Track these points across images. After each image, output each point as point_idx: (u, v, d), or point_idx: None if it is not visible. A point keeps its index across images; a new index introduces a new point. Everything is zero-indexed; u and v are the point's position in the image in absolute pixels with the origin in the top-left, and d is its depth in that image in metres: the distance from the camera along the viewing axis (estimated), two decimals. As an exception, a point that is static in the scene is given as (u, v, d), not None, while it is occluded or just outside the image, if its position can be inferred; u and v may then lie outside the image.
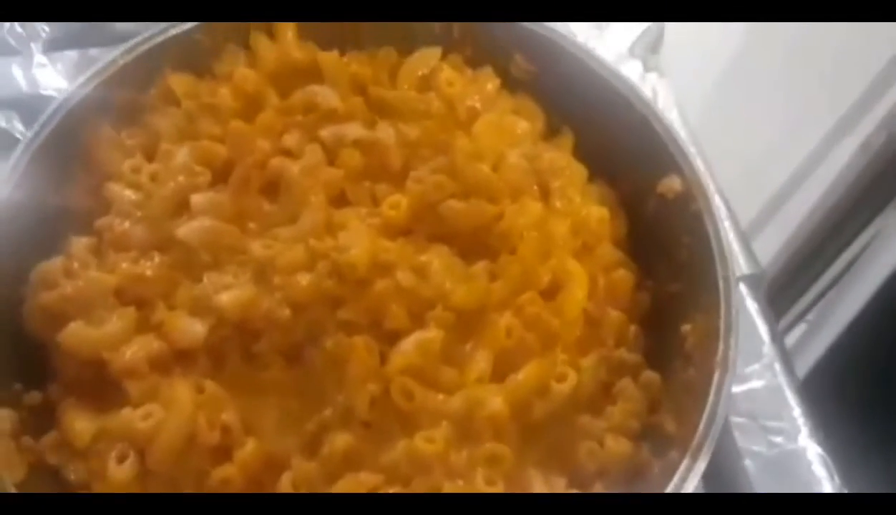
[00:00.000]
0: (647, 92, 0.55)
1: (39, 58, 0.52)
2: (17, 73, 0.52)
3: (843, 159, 0.74)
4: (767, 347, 0.46)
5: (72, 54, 0.52)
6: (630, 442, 0.32)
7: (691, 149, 0.35)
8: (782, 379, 0.45)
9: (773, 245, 0.71)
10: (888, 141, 0.71)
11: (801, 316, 0.75)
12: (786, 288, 0.72)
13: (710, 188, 0.34)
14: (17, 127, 0.51)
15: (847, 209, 0.70)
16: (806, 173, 0.75)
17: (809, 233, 0.69)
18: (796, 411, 0.44)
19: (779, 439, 0.43)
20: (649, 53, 0.59)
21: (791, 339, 0.71)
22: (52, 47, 0.52)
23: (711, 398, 0.28)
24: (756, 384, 0.45)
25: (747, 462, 0.42)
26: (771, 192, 0.77)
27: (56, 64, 0.52)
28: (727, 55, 0.73)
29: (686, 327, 0.33)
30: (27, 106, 0.50)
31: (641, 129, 0.36)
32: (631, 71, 0.56)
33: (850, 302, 0.64)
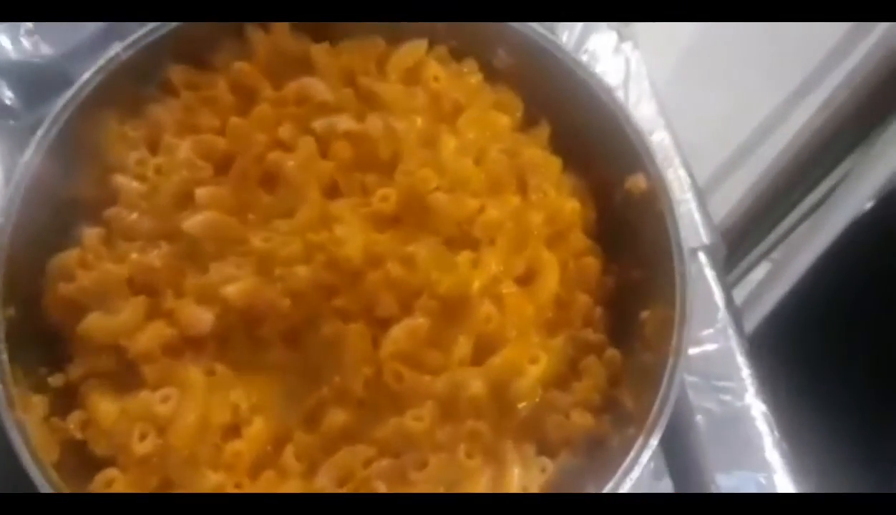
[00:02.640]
0: (620, 61, 0.58)
1: (27, 25, 0.53)
2: (3, 40, 0.53)
3: (803, 119, 0.78)
4: (722, 313, 0.50)
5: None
6: (592, 416, 0.36)
7: (657, 152, 0.38)
8: (734, 343, 0.49)
9: (730, 201, 0.75)
10: (849, 98, 0.74)
11: (748, 271, 0.79)
12: (739, 245, 0.76)
13: (672, 190, 0.37)
14: (6, 93, 0.52)
15: (800, 169, 0.74)
16: (766, 134, 0.78)
17: (764, 190, 0.72)
18: (744, 372, 0.48)
19: (727, 397, 0.47)
20: (624, 24, 0.61)
21: (741, 293, 0.76)
22: (39, 14, 0.53)
23: (664, 382, 0.33)
24: (710, 347, 0.49)
25: (699, 418, 0.46)
26: (731, 152, 0.80)
27: (43, 31, 0.53)
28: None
29: (645, 313, 0.37)
30: (15, 74, 0.52)
31: (614, 129, 0.39)
32: (607, 40, 0.58)
33: (797, 264, 0.68)
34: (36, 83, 0.50)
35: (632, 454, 0.31)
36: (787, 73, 0.78)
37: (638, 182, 0.38)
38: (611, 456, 0.33)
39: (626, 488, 0.31)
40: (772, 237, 0.81)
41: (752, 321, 0.74)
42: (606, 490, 0.31)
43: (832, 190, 0.72)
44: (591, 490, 0.32)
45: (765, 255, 0.83)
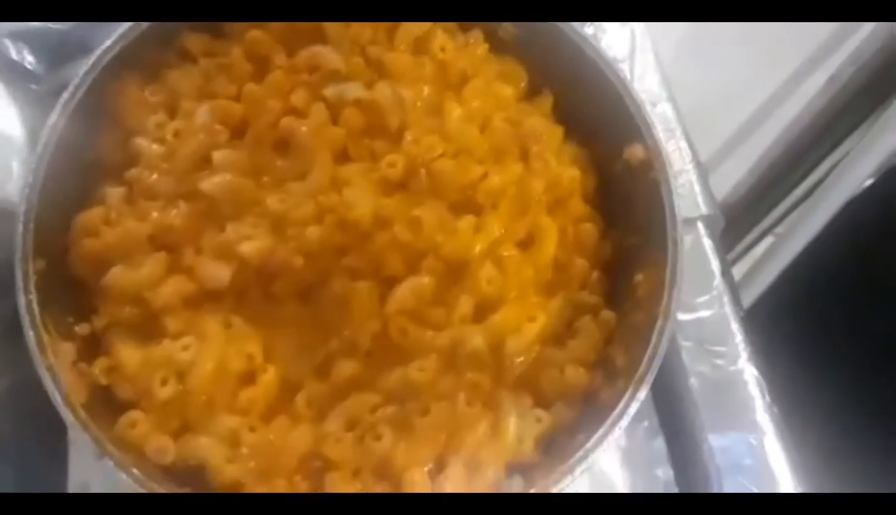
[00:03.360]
0: (626, 34, 0.59)
1: (46, -9, 0.54)
2: (25, 7, 0.54)
3: (807, 95, 0.78)
4: (717, 281, 0.52)
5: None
6: (586, 371, 0.38)
7: (655, 123, 0.40)
8: (728, 310, 0.51)
9: (734, 177, 0.76)
10: (854, 75, 0.75)
11: (751, 247, 0.80)
12: (743, 220, 0.78)
13: (672, 161, 0.39)
14: (28, 58, 0.54)
15: (804, 145, 0.75)
16: (770, 110, 0.79)
17: (768, 166, 0.73)
18: (738, 338, 0.50)
19: (721, 362, 0.49)
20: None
21: (738, 271, 0.77)
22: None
23: (653, 340, 0.35)
24: (704, 313, 0.51)
25: (692, 381, 0.48)
26: (736, 128, 0.81)
27: (64, -1, 0.54)
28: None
29: (639, 277, 0.39)
30: (37, 39, 0.53)
31: (614, 101, 0.40)
32: (613, 15, 0.59)
33: (796, 240, 0.70)
34: (56, 49, 0.52)
35: (620, 405, 0.33)
36: (791, 50, 0.79)
37: (636, 152, 0.40)
38: (602, 408, 0.35)
39: (614, 436, 0.33)
40: (775, 213, 0.83)
41: (752, 294, 0.75)
42: (595, 439, 0.33)
43: (834, 167, 0.73)
44: (581, 439, 0.34)
45: (768, 231, 0.84)
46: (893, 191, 0.66)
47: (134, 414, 0.35)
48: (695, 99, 0.63)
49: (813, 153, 0.77)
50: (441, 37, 0.42)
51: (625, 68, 0.57)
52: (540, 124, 0.41)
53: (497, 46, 0.44)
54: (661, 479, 0.46)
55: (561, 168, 0.41)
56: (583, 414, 0.37)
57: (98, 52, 0.38)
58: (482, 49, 0.43)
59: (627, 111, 0.40)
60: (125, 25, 0.39)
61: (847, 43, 0.78)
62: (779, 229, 0.84)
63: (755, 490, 0.44)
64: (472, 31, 0.44)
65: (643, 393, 0.34)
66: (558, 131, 0.43)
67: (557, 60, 0.43)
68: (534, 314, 0.38)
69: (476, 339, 0.36)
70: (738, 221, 0.78)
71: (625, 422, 0.34)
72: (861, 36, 0.74)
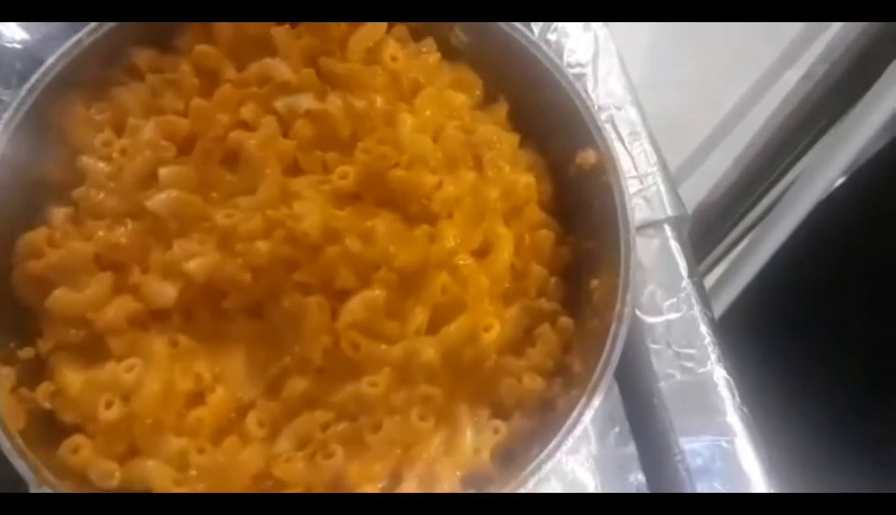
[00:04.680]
0: (590, 38, 0.59)
1: (0, 9, 0.54)
2: (-20, 28, 0.54)
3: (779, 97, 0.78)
4: (685, 283, 0.51)
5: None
6: (544, 380, 0.37)
7: (608, 127, 0.39)
8: (697, 312, 0.51)
9: (704, 185, 0.76)
10: (828, 72, 0.75)
11: (724, 255, 0.80)
12: (714, 228, 0.77)
13: (620, 162, 0.39)
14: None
15: (777, 148, 0.75)
16: (739, 117, 0.79)
17: (739, 173, 0.73)
18: (707, 340, 0.50)
19: (690, 364, 0.49)
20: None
21: (714, 277, 0.77)
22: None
23: (607, 347, 0.34)
24: (673, 316, 0.50)
25: (662, 384, 0.48)
26: (709, 132, 0.81)
27: (18, 16, 0.54)
28: None
29: (594, 282, 0.38)
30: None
31: (566, 106, 0.40)
32: (576, 18, 0.59)
33: (769, 242, 0.69)
34: (12, 68, 0.51)
35: (574, 414, 0.33)
36: (759, 51, 0.79)
37: (588, 157, 0.39)
38: (558, 417, 0.34)
39: (567, 446, 0.33)
40: (750, 217, 0.82)
41: (727, 298, 0.75)
42: (548, 450, 0.33)
43: (799, 176, 0.73)
44: (537, 450, 0.34)
45: (743, 236, 0.84)
46: (863, 191, 0.66)
47: (77, 439, 0.34)
48: (664, 104, 0.63)
49: (786, 155, 0.77)
50: (393, 46, 0.42)
51: (588, 72, 0.57)
52: (493, 132, 0.41)
53: (450, 54, 0.44)
54: (634, 484, 0.45)
55: (516, 175, 0.41)
56: (540, 423, 0.36)
57: (41, 70, 0.38)
58: (434, 57, 0.43)
59: (579, 116, 0.39)
60: (69, 42, 0.38)
61: (819, 40, 0.78)
62: (750, 236, 0.84)
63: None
64: (424, 40, 0.43)
65: (598, 401, 0.34)
66: (513, 138, 0.42)
67: (510, 67, 0.42)
68: (490, 323, 0.38)
69: (429, 351, 0.36)
70: (712, 227, 0.78)
71: (578, 431, 0.33)
72: (832, 32, 0.74)
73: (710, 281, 0.76)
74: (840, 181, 0.72)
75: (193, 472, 0.34)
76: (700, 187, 0.78)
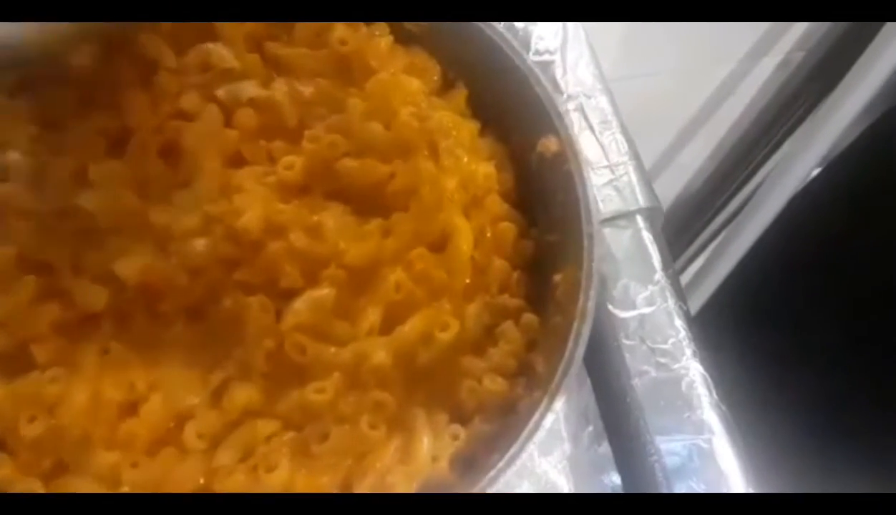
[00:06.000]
0: (559, 25, 0.57)
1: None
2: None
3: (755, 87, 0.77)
4: (659, 275, 0.50)
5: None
6: (506, 381, 0.35)
7: (568, 113, 0.37)
8: (671, 306, 0.49)
9: (680, 180, 0.75)
10: (804, 59, 0.74)
11: (699, 252, 0.79)
12: (689, 223, 0.76)
13: (582, 151, 0.36)
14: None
15: (752, 139, 0.73)
16: (714, 108, 0.77)
17: (715, 166, 0.72)
18: (682, 334, 0.48)
19: (664, 360, 0.47)
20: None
21: (689, 274, 0.76)
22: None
23: (570, 345, 0.32)
24: (646, 310, 0.48)
25: (636, 381, 0.46)
26: (684, 124, 0.79)
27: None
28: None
29: (557, 276, 0.36)
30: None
31: (526, 93, 0.38)
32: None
33: (745, 235, 0.68)
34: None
35: (535, 417, 0.31)
36: (734, 38, 0.77)
37: (549, 144, 0.37)
38: (519, 421, 0.32)
39: (527, 452, 0.31)
40: (727, 210, 0.81)
41: (704, 292, 0.73)
42: (508, 455, 0.30)
43: (774, 168, 0.72)
44: (497, 457, 0.31)
45: (720, 231, 0.82)
46: (840, 181, 0.64)
47: (-2, 457, 0.31)
48: (638, 94, 0.61)
49: (762, 145, 0.76)
50: (341, 29, 0.39)
51: (557, 60, 0.55)
52: (450, 118, 0.39)
53: (405, 39, 0.41)
54: (609, 485, 0.44)
55: (475, 164, 0.39)
56: (502, 427, 0.34)
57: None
58: (387, 41, 0.40)
59: (539, 102, 0.37)
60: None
61: (795, 27, 0.76)
62: (729, 226, 0.82)
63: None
64: (375, 24, 0.41)
65: (559, 404, 0.31)
66: (472, 126, 0.40)
67: (468, 51, 0.40)
68: (447, 321, 0.35)
69: (380, 353, 0.33)
70: (688, 222, 0.77)
71: (539, 436, 0.31)
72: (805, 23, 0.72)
73: (686, 277, 0.75)
74: (816, 171, 0.70)
75: (126, 488, 0.31)
76: (675, 182, 0.76)
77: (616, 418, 0.45)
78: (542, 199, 0.39)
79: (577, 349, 0.32)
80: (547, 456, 0.43)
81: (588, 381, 0.46)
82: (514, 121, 0.39)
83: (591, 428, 0.45)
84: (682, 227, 0.75)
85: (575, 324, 0.32)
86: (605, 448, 0.44)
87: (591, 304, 0.33)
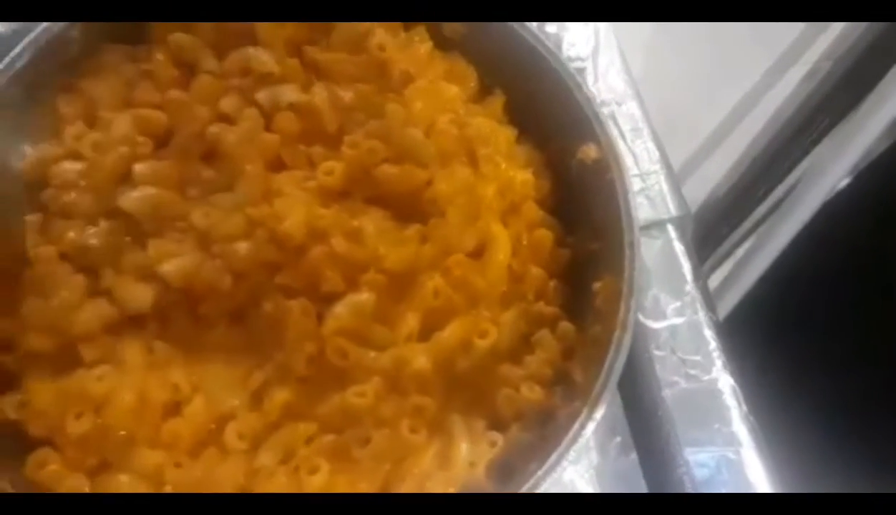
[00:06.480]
0: (590, 32, 0.57)
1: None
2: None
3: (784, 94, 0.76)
4: (690, 286, 0.50)
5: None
6: (543, 389, 0.35)
7: (609, 121, 0.37)
8: (702, 317, 0.49)
9: (708, 183, 0.74)
10: (833, 69, 0.73)
11: (726, 257, 0.78)
12: (716, 229, 0.76)
13: (623, 158, 0.36)
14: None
15: (781, 144, 0.73)
16: (742, 115, 0.77)
17: (743, 172, 0.71)
18: (712, 346, 0.48)
19: (694, 371, 0.47)
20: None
21: (718, 278, 0.75)
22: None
23: (610, 355, 0.32)
24: (677, 321, 0.48)
25: (666, 393, 0.46)
26: (713, 128, 0.79)
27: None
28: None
29: (597, 285, 0.36)
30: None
31: (566, 99, 0.38)
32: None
33: (773, 244, 0.67)
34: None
35: (575, 427, 0.31)
36: (764, 47, 0.77)
37: (589, 152, 0.37)
38: (558, 430, 0.32)
39: (568, 461, 0.31)
40: (754, 216, 0.81)
41: (730, 300, 0.73)
42: (548, 464, 0.30)
43: (802, 176, 0.72)
44: (535, 465, 0.31)
45: (747, 236, 0.82)
46: (869, 191, 0.64)
47: (44, 453, 0.32)
48: (667, 100, 0.60)
49: (789, 154, 0.75)
50: (381, 35, 0.40)
51: (588, 67, 0.55)
52: (488, 125, 0.39)
53: (443, 44, 0.42)
54: None
55: (513, 171, 0.39)
56: (539, 436, 0.34)
57: (5, 60, 0.35)
58: (426, 47, 0.40)
59: (579, 109, 0.37)
60: (37, 30, 0.36)
61: (823, 36, 0.76)
62: (753, 237, 0.82)
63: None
64: (414, 29, 0.41)
65: (600, 413, 0.32)
66: (510, 133, 0.40)
67: (507, 58, 0.40)
68: (485, 329, 0.35)
69: (420, 359, 0.33)
70: (714, 228, 0.76)
71: (580, 445, 0.31)
72: (837, 29, 0.72)
73: (712, 283, 0.74)
74: (845, 181, 0.70)
75: (169, 487, 0.32)
76: (702, 187, 0.76)
77: (645, 429, 0.45)
78: (580, 207, 0.39)
79: (618, 359, 0.32)
80: (574, 466, 0.43)
81: (617, 392, 0.46)
82: (553, 127, 0.39)
83: (618, 439, 0.45)
84: (707, 232, 0.74)
85: (616, 334, 0.32)
86: (632, 458, 0.44)
87: (632, 315, 0.33)
